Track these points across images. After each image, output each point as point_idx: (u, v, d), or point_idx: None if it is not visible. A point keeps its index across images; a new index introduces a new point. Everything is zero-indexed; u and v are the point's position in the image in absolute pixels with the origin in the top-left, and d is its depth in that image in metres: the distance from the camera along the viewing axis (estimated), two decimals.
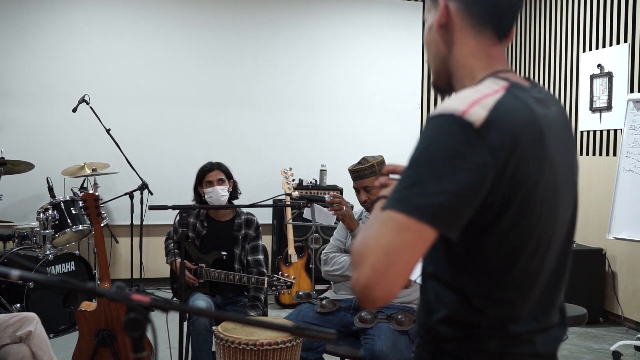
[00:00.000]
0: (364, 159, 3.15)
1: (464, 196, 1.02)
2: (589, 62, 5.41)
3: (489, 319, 1.13)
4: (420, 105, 6.64)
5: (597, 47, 5.35)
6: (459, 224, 1.04)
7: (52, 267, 4.41)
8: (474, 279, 1.13)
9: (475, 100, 1.05)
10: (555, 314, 1.21)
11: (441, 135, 1.03)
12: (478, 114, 1.03)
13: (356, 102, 6.46)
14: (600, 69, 5.26)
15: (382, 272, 0.99)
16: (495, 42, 1.20)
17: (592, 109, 5.35)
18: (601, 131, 5.28)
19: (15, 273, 1.01)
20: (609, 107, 5.17)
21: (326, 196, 3.08)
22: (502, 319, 1.13)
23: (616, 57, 5.10)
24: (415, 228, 1.00)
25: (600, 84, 5.27)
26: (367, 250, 1.01)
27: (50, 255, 4.37)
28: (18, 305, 4.19)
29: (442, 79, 1.26)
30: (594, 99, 5.33)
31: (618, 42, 5.11)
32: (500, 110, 1.05)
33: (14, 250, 4.58)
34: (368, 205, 3.15)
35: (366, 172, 3.08)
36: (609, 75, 5.16)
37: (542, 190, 1.10)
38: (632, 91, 4.92)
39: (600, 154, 5.27)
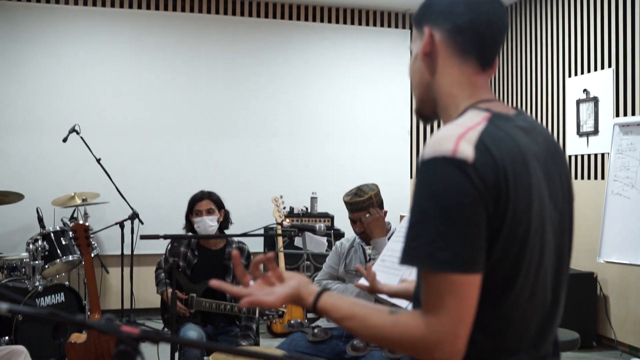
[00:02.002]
0: (360, 190, 3.14)
1: (481, 231, 1.05)
2: (574, 87, 5.49)
3: (480, 350, 1.12)
4: (409, 132, 6.69)
5: (582, 72, 5.43)
6: (483, 256, 1.07)
7: (42, 298, 4.36)
8: None
9: (459, 136, 1.07)
10: (549, 345, 1.21)
11: (441, 180, 1.05)
12: (466, 150, 1.05)
13: (346, 129, 6.50)
14: (586, 94, 5.33)
15: (456, 331, 1.05)
16: (479, 71, 1.22)
17: (579, 133, 5.41)
18: (589, 155, 5.33)
19: (3, 306, 1.01)
20: (595, 131, 5.22)
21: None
22: (493, 350, 1.13)
23: (601, 82, 5.17)
24: (462, 282, 1.04)
25: (586, 109, 5.34)
26: (437, 312, 1.05)
27: (40, 287, 4.33)
28: (7, 337, 4.13)
29: (426, 107, 1.28)
30: (581, 123, 5.39)
31: (603, 67, 5.19)
32: (485, 142, 1.07)
33: (2, 282, 4.53)
34: (365, 236, 3.15)
35: (364, 204, 3.08)
36: (595, 100, 5.23)
37: (530, 220, 1.10)
38: (617, 115, 4.99)
39: (589, 178, 5.32)
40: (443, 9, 1.22)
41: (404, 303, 2.24)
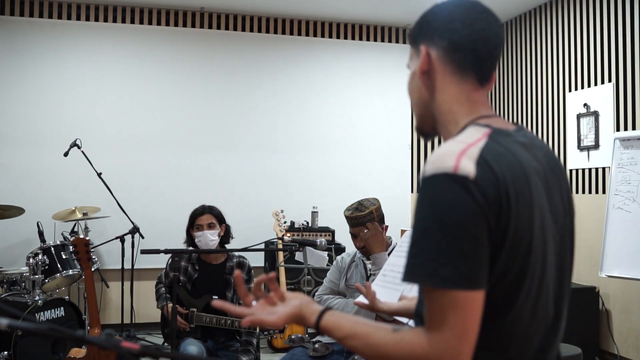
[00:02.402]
0: (361, 204, 3.14)
1: (483, 248, 1.05)
2: (575, 101, 5.50)
3: None
4: (410, 146, 6.70)
5: (582, 87, 5.44)
6: (486, 273, 1.07)
7: (42, 312, 4.35)
8: None
9: (461, 152, 1.07)
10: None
11: (443, 197, 1.05)
12: (468, 166, 1.05)
13: (346, 143, 6.51)
14: (587, 108, 5.35)
15: (459, 348, 1.04)
16: (478, 87, 1.23)
17: (580, 148, 5.41)
18: (589, 169, 5.33)
19: (3, 322, 1.00)
20: (596, 146, 5.23)
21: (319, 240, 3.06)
22: None
23: (602, 96, 5.19)
24: (465, 298, 1.04)
25: (587, 123, 5.35)
26: (440, 328, 1.05)
27: (40, 301, 4.32)
28: (5, 353, 4.12)
29: (426, 124, 1.29)
30: (582, 137, 5.40)
31: (603, 82, 5.21)
32: (486, 158, 1.07)
33: (2, 296, 4.52)
34: (365, 251, 3.14)
35: (365, 219, 3.08)
36: (596, 114, 5.24)
37: (532, 235, 1.10)
38: (618, 129, 4.99)
39: (590, 192, 5.31)
40: (439, 26, 1.22)
41: (404, 320, 2.23)
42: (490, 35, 1.21)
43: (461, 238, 1.03)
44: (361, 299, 2.63)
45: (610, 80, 5.12)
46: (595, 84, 5.29)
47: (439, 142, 6.98)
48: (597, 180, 5.25)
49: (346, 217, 3.14)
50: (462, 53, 1.21)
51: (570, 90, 5.59)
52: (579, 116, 5.43)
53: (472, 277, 1.03)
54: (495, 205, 1.05)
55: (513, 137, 1.16)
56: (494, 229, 1.05)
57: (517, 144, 1.15)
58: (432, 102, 1.24)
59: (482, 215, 1.04)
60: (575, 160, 5.49)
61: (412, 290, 2.28)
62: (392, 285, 2.38)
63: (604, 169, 5.16)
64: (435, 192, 1.06)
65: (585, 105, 5.37)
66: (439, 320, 1.05)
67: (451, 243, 1.03)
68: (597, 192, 5.24)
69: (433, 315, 1.06)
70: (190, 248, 3.65)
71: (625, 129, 4.93)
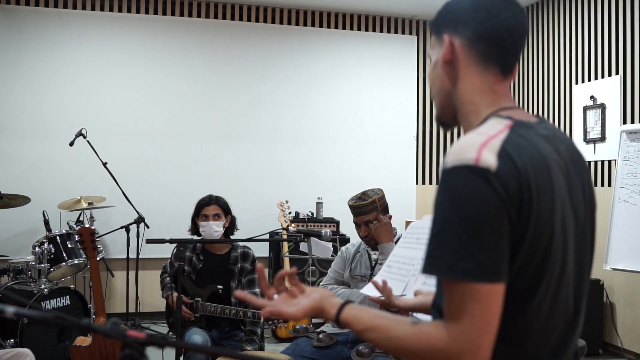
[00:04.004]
0: (364, 194, 3.14)
1: (504, 240, 1.04)
2: (582, 94, 5.47)
3: (499, 358, 1.10)
4: (415, 137, 6.68)
5: (589, 79, 5.41)
6: (506, 265, 1.06)
7: (47, 301, 4.37)
8: None
9: (482, 144, 1.06)
10: (570, 357, 1.19)
11: (464, 189, 1.04)
12: (489, 158, 1.04)
13: (352, 134, 6.50)
14: (593, 101, 5.32)
15: (479, 342, 1.04)
16: (500, 78, 1.21)
17: (586, 140, 5.39)
18: (595, 162, 5.31)
19: (10, 310, 1.01)
20: (602, 138, 5.21)
21: (324, 230, 3.06)
22: (511, 358, 1.11)
23: (609, 89, 5.16)
24: (485, 291, 1.03)
25: (593, 116, 5.32)
26: (461, 321, 1.04)
27: (45, 290, 4.34)
28: (12, 340, 4.14)
29: (446, 114, 1.27)
30: (588, 130, 5.37)
31: (610, 74, 5.18)
32: (507, 150, 1.06)
33: (8, 284, 4.54)
34: (368, 240, 3.15)
35: (368, 208, 3.08)
36: (602, 107, 5.21)
37: (553, 229, 1.09)
38: (624, 122, 4.97)
39: (595, 185, 5.30)
40: (463, 15, 1.20)
41: (419, 316, 2.24)
42: (515, 24, 1.19)
43: (482, 230, 1.02)
44: (366, 289, 2.63)
45: (617, 73, 5.10)
46: (602, 77, 5.26)
47: (445, 134, 6.96)
48: (602, 173, 5.24)
49: (350, 206, 3.14)
50: (487, 43, 1.19)
51: (577, 83, 5.57)
52: (585, 108, 5.40)
53: (492, 270, 1.03)
54: (516, 198, 1.04)
55: (535, 130, 1.15)
56: (515, 222, 1.05)
57: (539, 136, 1.14)
58: (454, 92, 1.23)
59: (503, 207, 1.03)
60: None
61: (416, 282, 2.28)
62: (397, 277, 2.38)
63: (610, 161, 5.14)
64: (455, 184, 1.05)
65: (592, 97, 5.34)
66: (459, 313, 1.04)
67: (472, 235, 1.02)
68: (602, 185, 5.22)
69: (453, 307, 1.05)
70: (195, 237, 3.66)
71: (632, 121, 4.91)
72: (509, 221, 1.04)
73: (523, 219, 1.05)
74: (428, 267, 1.07)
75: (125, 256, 5.28)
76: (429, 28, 1.17)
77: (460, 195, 1.04)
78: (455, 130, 6.09)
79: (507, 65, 1.21)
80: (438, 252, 1.05)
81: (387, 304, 1.82)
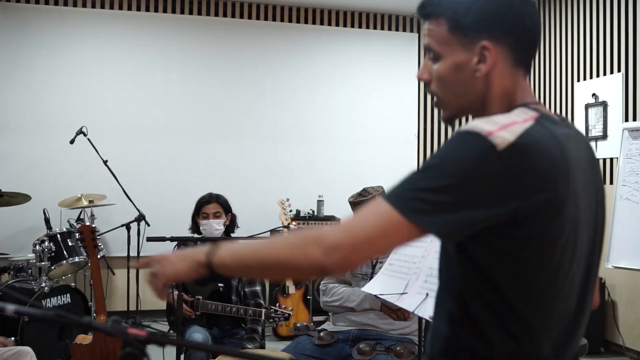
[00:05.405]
0: (365, 190, 3.15)
1: (463, 209, 1.03)
2: (583, 91, 5.46)
3: (499, 353, 1.11)
4: (417, 136, 6.68)
5: (591, 77, 5.40)
6: (457, 233, 1.06)
7: (48, 299, 4.36)
8: (488, 308, 1.11)
9: (504, 125, 1.06)
10: (572, 355, 1.18)
11: (460, 149, 1.05)
12: (504, 138, 1.03)
13: (353, 132, 6.49)
14: (595, 98, 5.31)
15: (358, 246, 1.03)
16: (525, 76, 1.22)
17: (588, 138, 5.38)
18: (597, 160, 5.29)
19: (10, 308, 1.00)
20: (604, 136, 5.20)
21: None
22: (511, 353, 1.11)
23: (611, 87, 5.15)
24: (404, 228, 1.03)
25: (595, 113, 5.31)
26: (354, 223, 1.06)
27: (46, 288, 4.34)
28: (12, 338, 4.14)
29: (462, 114, 1.24)
30: (590, 127, 5.36)
31: (612, 72, 5.17)
32: (528, 138, 1.05)
33: (9, 282, 4.54)
34: None
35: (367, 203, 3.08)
36: (604, 105, 5.20)
37: (563, 224, 1.08)
38: (626, 120, 4.96)
39: None
40: (505, 20, 1.16)
41: (410, 307, 2.23)
42: (539, 29, 1.21)
43: (450, 188, 1.03)
44: (366, 287, 2.63)
45: (619, 70, 5.08)
46: (604, 74, 5.25)
47: (446, 132, 6.90)
48: (604, 171, 5.23)
49: (350, 202, 3.14)
50: (524, 50, 1.18)
51: (578, 80, 5.55)
52: (587, 106, 5.39)
53: (431, 218, 1.03)
54: (520, 183, 1.03)
55: (559, 126, 1.15)
56: (512, 206, 1.04)
57: (562, 133, 1.13)
58: (485, 96, 1.19)
59: (492, 186, 1.03)
60: None
61: (417, 279, 2.28)
62: (398, 275, 2.37)
63: (611, 159, 5.13)
64: (457, 143, 1.06)
65: (593, 95, 5.33)
66: (360, 217, 1.06)
67: (438, 187, 1.03)
68: (604, 182, 5.21)
69: (360, 213, 1.07)
70: (196, 235, 3.65)
71: (634, 119, 4.90)
72: (502, 202, 1.03)
73: (526, 204, 1.04)
74: (388, 192, 1.07)
75: (126, 254, 5.28)
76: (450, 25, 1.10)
77: (454, 152, 1.05)
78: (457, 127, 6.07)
79: (530, 64, 1.22)
80: (404, 184, 1.07)
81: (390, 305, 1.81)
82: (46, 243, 4.62)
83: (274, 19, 6.40)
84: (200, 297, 3.46)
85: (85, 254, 4.81)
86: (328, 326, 3.19)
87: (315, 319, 5.23)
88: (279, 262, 1.11)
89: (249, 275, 1.21)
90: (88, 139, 5.25)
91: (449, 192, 1.02)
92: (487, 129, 1.04)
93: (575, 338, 1.19)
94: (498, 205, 1.04)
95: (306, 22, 6.48)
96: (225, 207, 3.67)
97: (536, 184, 1.04)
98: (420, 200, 1.03)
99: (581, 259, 1.15)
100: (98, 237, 3.58)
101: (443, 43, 1.19)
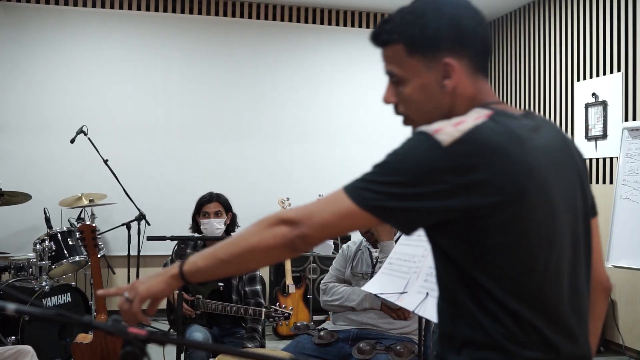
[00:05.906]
0: None
1: (412, 200, 1.10)
2: (583, 91, 5.46)
3: (499, 339, 1.11)
4: None
5: (591, 76, 5.40)
6: (409, 223, 1.15)
7: (48, 298, 4.37)
8: (473, 298, 1.14)
9: (454, 124, 1.11)
10: (577, 345, 1.18)
11: (411, 147, 1.13)
12: (449, 134, 1.09)
13: (353, 131, 6.49)
14: (595, 98, 5.31)
15: (316, 225, 1.15)
16: (484, 79, 1.26)
17: (588, 137, 5.38)
18: (597, 159, 5.30)
19: (11, 307, 1.01)
20: (604, 136, 5.20)
21: None
22: (506, 337, 1.11)
23: (610, 86, 5.15)
24: (356, 214, 1.13)
25: (595, 113, 5.31)
26: (314, 206, 1.17)
27: (47, 287, 4.34)
28: (13, 337, 4.14)
29: (428, 123, 1.25)
30: (589, 127, 5.37)
31: (612, 71, 5.17)
32: (475, 132, 1.09)
33: (9, 282, 4.54)
34: (369, 236, 3.15)
35: None
36: (604, 104, 5.20)
37: (528, 212, 1.11)
38: (626, 119, 4.96)
39: (597, 182, 5.29)
40: (461, 35, 1.20)
41: (411, 306, 2.24)
42: (490, 34, 1.27)
43: (396, 180, 1.11)
44: (367, 286, 2.63)
45: (619, 70, 5.08)
46: (604, 74, 5.25)
47: None
48: (604, 170, 5.23)
49: None
50: (481, 57, 1.24)
51: (578, 80, 5.56)
52: (587, 106, 5.40)
53: (379, 208, 1.12)
54: (466, 174, 1.07)
55: (517, 120, 1.17)
56: (460, 196, 1.08)
57: (520, 125, 1.16)
58: (451, 108, 1.23)
59: (435, 177, 1.08)
60: (582, 150, 5.44)
61: (418, 279, 2.28)
62: (398, 274, 2.38)
63: (611, 159, 5.14)
64: (407, 142, 1.15)
65: (593, 94, 5.33)
66: (318, 204, 1.17)
67: (387, 180, 1.12)
68: (604, 182, 5.21)
69: (319, 201, 1.18)
70: (197, 235, 3.66)
71: (634, 118, 4.90)
72: (448, 192, 1.08)
73: (484, 198, 1.08)
74: (347, 185, 1.17)
75: (126, 253, 5.28)
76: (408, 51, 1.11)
77: (402, 149, 1.14)
78: None
79: (487, 67, 1.27)
80: (363, 176, 1.16)
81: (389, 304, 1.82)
82: (47, 242, 4.62)
83: (274, 19, 6.40)
84: (201, 296, 3.46)
85: (85, 253, 4.81)
86: (328, 325, 3.19)
87: (316, 318, 5.24)
88: (251, 248, 1.18)
89: (225, 271, 1.23)
90: (88, 139, 5.25)
91: (399, 185, 1.10)
92: (434, 127, 1.11)
93: (579, 315, 1.19)
94: (448, 198, 1.08)
95: (306, 22, 6.48)
96: (226, 206, 3.67)
97: (487, 177, 1.07)
98: (372, 191, 1.12)
99: (564, 243, 1.17)
100: (98, 237, 3.58)
101: (405, 67, 1.24)
